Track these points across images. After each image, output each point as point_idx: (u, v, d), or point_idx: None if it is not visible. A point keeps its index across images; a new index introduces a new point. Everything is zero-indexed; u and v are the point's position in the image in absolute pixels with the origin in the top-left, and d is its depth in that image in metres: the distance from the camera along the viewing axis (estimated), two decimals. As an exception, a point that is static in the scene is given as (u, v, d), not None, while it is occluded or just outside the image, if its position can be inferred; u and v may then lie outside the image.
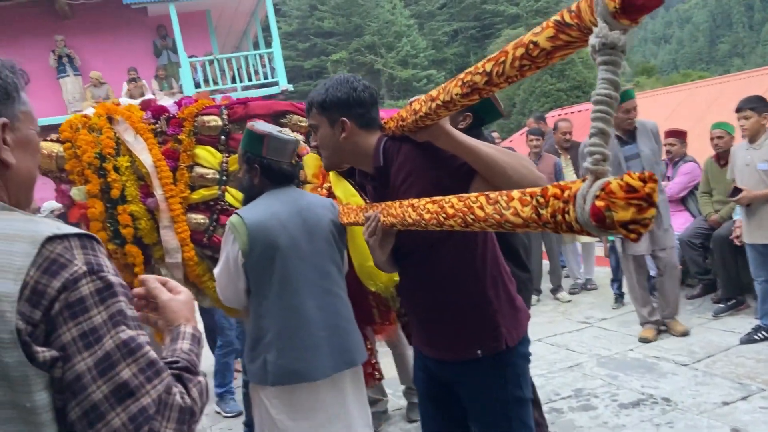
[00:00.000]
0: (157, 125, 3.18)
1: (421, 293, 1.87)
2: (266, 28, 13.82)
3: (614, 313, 5.22)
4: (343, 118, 1.80)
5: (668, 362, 3.95)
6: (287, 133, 2.59)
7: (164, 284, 1.16)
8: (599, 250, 6.13)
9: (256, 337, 2.26)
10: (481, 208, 1.26)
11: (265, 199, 2.32)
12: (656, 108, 9.05)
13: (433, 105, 1.52)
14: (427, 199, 1.53)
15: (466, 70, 1.36)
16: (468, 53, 35.61)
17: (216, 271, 2.36)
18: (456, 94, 1.38)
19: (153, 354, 0.91)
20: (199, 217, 3.08)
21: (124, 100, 11.20)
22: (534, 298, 5.63)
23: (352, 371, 2.32)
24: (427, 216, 1.51)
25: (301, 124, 3.19)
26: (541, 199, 1.02)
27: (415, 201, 1.59)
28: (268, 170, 2.34)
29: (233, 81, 12.18)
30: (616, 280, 5.34)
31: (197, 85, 11.80)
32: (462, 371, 1.82)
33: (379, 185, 1.87)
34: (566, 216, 0.95)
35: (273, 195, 2.33)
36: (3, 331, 0.81)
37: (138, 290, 1.15)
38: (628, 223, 0.83)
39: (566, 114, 10.59)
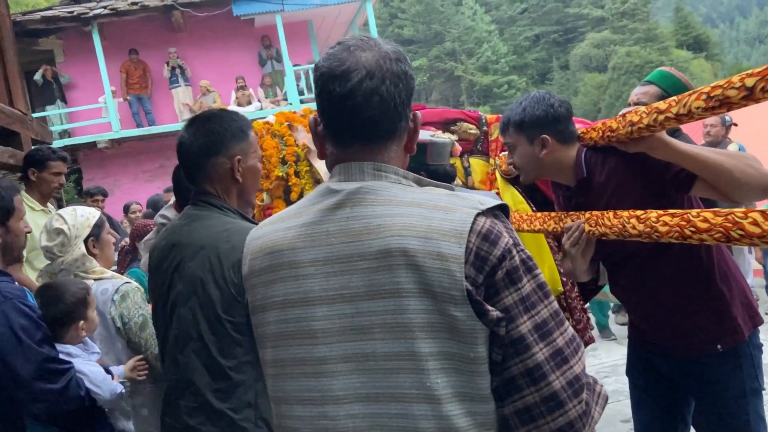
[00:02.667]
0: None
1: (646, 293, 1.89)
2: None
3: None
4: (543, 135, 1.84)
5: None
6: (440, 136, 2.64)
7: None
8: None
9: None
10: (755, 224, 1.28)
11: None
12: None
13: (661, 117, 1.55)
14: (661, 212, 1.56)
15: (713, 84, 1.38)
16: (550, 58, 34.98)
17: None
18: (697, 108, 1.40)
19: (572, 329, 0.98)
20: None
21: (232, 108, 11.72)
22: None
23: None
24: (663, 228, 1.52)
25: (471, 131, 3.21)
26: None
27: (640, 212, 1.63)
28: (435, 175, 2.38)
29: (334, 88, 12.44)
30: None
31: (300, 92, 12.14)
32: (696, 365, 1.86)
33: (579, 196, 1.91)
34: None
35: None
36: (454, 289, 0.90)
37: None
38: None
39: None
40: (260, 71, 12.50)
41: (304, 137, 3.32)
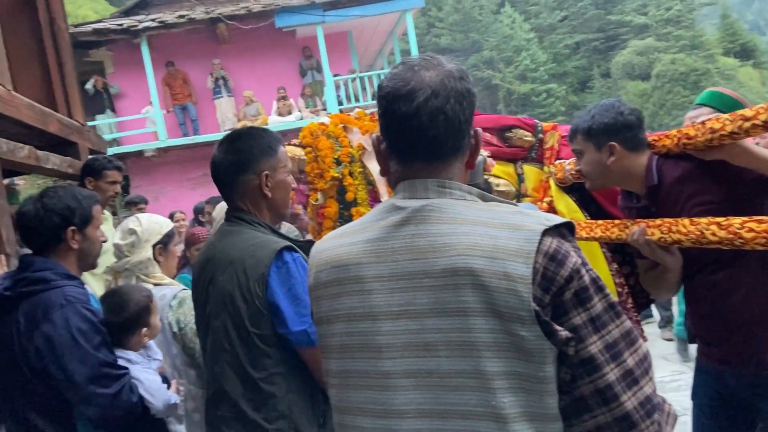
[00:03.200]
0: None
1: (721, 304, 1.82)
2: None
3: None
4: (612, 143, 1.83)
5: None
6: None
7: None
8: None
9: None
10: None
11: None
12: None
13: (746, 125, 1.53)
14: (745, 218, 1.52)
15: None
16: (591, 66, 34.46)
17: None
18: None
19: (645, 348, 0.98)
20: None
21: (274, 118, 11.89)
22: None
23: None
24: (749, 235, 1.49)
25: (526, 138, 3.21)
26: None
27: (720, 219, 1.59)
28: None
29: (373, 98, 12.55)
30: None
31: (340, 102, 12.28)
32: None
33: (650, 204, 1.88)
34: None
35: None
36: (521, 309, 0.90)
37: None
38: None
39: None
40: (301, 82, 12.70)
41: (359, 138, 3.39)
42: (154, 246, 2.24)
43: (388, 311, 0.97)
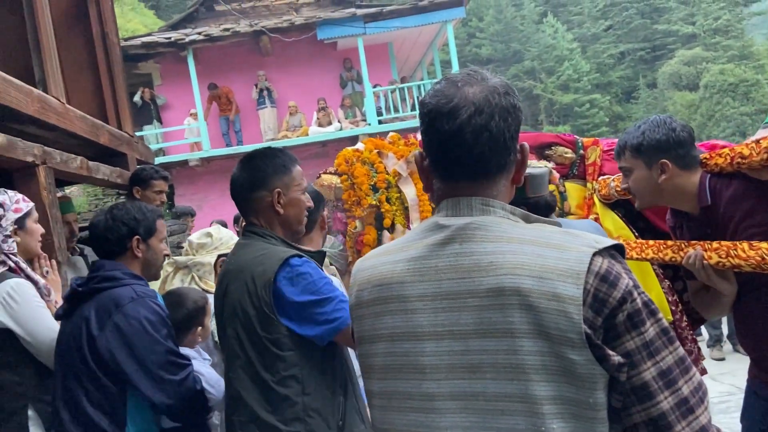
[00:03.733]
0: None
1: None
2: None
3: None
4: (663, 160, 1.78)
5: None
6: (536, 165, 2.58)
7: None
8: None
9: None
10: None
11: None
12: None
13: None
14: None
15: None
16: (636, 76, 33.78)
17: None
18: None
19: (699, 376, 0.94)
20: None
21: (314, 129, 12.02)
22: None
23: None
24: None
25: (566, 155, 3.15)
26: None
27: None
28: (536, 207, 2.33)
29: (413, 108, 12.57)
30: None
31: (379, 113, 12.35)
32: None
33: (703, 225, 1.82)
34: None
35: None
36: (571, 331, 0.87)
37: None
38: None
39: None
40: (341, 92, 12.82)
41: (394, 164, 3.38)
42: (219, 256, 2.39)
43: (432, 331, 0.95)
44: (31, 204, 2.27)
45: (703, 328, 5.41)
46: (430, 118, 0.99)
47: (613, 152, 2.09)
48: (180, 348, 2.03)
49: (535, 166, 2.56)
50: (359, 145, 3.54)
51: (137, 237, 1.99)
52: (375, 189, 3.28)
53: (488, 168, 0.98)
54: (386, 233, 3.24)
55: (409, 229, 3.21)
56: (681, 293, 2.28)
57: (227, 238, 2.47)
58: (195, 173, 12.21)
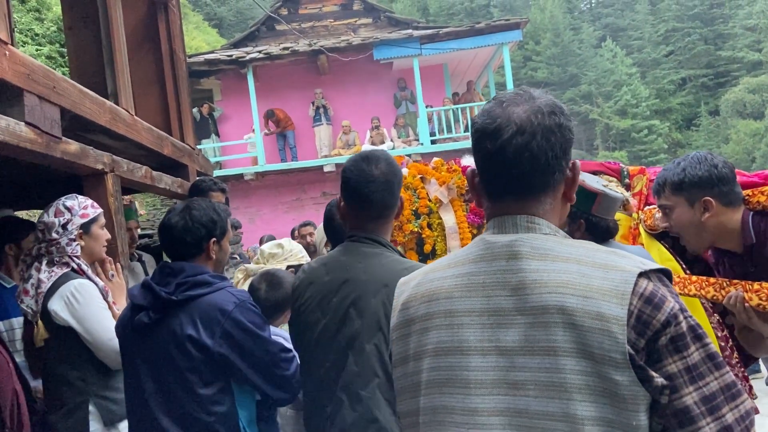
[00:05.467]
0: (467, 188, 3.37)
1: None
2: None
3: None
4: (707, 198, 1.72)
5: None
6: (614, 190, 2.52)
7: None
8: None
9: None
10: None
11: None
12: None
13: None
14: None
15: None
16: (698, 102, 32.87)
17: None
18: None
19: (750, 404, 0.92)
20: None
21: (366, 147, 12.18)
22: None
23: None
24: None
25: (610, 184, 3.10)
26: None
27: None
28: (594, 227, 2.26)
29: (466, 130, 12.57)
30: None
31: (432, 133, 12.40)
32: None
33: (747, 264, 1.77)
34: None
35: None
36: (615, 351, 0.87)
37: None
38: None
39: None
40: (394, 112, 12.95)
41: (436, 190, 3.39)
42: (287, 267, 2.53)
43: (478, 346, 0.96)
44: (100, 210, 2.38)
45: (762, 364, 5.16)
46: (477, 138, 1.02)
47: None
48: (274, 329, 2.11)
49: (613, 189, 2.52)
50: (403, 170, 3.57)
51: (214, 239, 1.98)
52: (417, 215, 3.30)
53: (532, 186, 1.00)
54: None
55: None
56: (732, 327, 2.21)
57: (297, 250, 2.64)
58: (249, 187, 12.52)
